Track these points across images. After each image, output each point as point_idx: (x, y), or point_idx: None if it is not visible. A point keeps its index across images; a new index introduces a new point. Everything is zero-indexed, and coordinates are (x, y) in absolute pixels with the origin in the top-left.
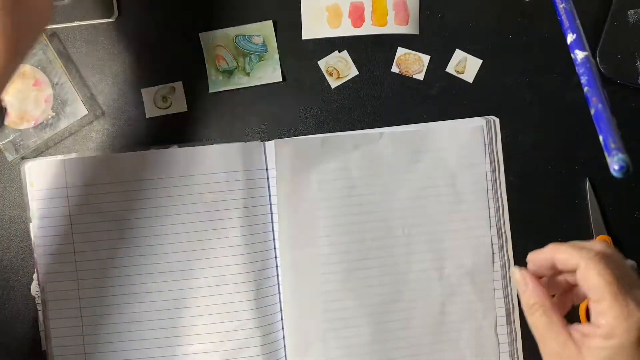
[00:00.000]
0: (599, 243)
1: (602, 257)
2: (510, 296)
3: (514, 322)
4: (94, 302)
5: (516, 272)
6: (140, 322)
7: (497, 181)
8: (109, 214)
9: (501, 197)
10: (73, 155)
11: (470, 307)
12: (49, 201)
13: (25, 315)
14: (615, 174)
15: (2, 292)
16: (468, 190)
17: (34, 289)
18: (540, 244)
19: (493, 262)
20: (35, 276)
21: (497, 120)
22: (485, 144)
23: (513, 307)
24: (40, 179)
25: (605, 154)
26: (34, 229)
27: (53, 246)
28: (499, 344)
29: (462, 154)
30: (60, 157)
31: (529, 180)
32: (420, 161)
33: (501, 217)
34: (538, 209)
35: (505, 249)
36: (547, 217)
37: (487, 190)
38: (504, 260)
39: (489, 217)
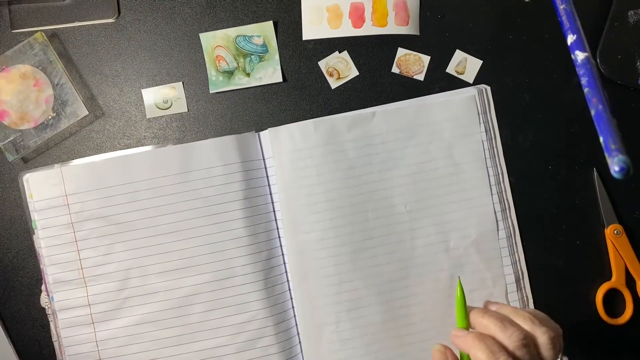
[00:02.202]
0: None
1: None
2: (518, 262)
3: (524, 287)
4: (103, 307)
5: (440, 349)
6: (153, 322)
7: (494, 149)
8: (110, 217)
9: (499, 165)
10: (70, 162)
11: (479, 276)
12: (50, 211)
13: (26, 315)
14: (615, 175)
15: (3, 292)
16: (466, 161)
17: (43, 300)
18: (550, 244)
19: (497, 229)
20: (43, 287)
21: (489, 88)
22: (479, 113)
23: (522, 273)
24: (39, 190)
25: (606, 155)
26: (38, 239)
27: (58, 255)
28: None
29: (456, 125)
30: (57, 165)
31: (530, 180)
32: (416, 136)
33: (501, 184)
34: (542, 208)
35: (508, 215)
36: (552, 215)
37: (485, 158)
38: (509, 227)
39: (489, 185)
